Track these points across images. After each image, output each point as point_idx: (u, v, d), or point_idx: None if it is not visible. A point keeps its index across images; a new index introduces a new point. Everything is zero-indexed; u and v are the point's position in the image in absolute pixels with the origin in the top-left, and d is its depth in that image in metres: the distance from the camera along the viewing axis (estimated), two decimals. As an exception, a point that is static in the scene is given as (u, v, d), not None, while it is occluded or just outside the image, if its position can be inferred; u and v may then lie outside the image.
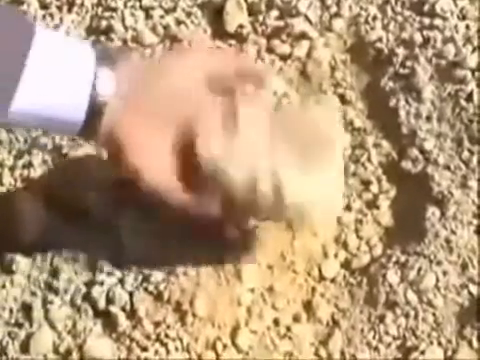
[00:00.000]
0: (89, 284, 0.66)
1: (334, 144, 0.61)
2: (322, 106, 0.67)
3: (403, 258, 0.64)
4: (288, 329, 0.63)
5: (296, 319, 0.64)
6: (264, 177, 0.58)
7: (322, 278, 0.66)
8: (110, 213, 0.67)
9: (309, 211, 0.60)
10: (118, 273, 0.66)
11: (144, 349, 0.63)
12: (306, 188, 0.59)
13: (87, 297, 0.65)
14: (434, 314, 0.62)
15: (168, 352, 0.62)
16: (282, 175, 0.59)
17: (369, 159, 0.69)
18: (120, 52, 0.72)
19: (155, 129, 0.59)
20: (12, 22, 0.55)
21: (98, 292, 0.65)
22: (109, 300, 0.64)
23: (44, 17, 0.81)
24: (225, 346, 0.62)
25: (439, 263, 0.64)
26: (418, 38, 0.72)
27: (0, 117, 0.55)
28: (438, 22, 0.72)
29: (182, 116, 0.59)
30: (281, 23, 0.76)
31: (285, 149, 0.59)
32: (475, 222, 0.65)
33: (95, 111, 0.57)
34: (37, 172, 0.72)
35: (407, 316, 0.62)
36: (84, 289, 0.66)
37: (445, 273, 0.63)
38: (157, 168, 0.59)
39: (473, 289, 0.63)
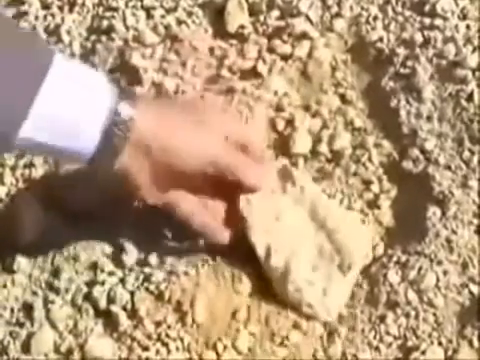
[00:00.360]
0: (90, 284, 0.66)
1: (357, 259, 0.64)
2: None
3: (404, 258, 0.64)
4: (289, 331, 0.63)
5: (296, 322, 0.64)
6: (279, 256, 0.63)
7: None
8: (111, 213, 0.67)
9: (305, 305, 0.63)
10: (119, 273, 0.66)
11: (145, 349, 0.63)
12: (309, 286, 0.63)
13: (88, 297, 0.65)
14: (435, 314, 0.62)
15: (169, 352, 0.62)
16: (293, 263, 0.63)
17: (370, 159, 0.69)
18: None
19: (174, 167, 0.60)
20: (31, 49, 0.55)
21: (99, 292, 0.65)
22: (110, 300, 0.64)
23: (45, 17, 0.81)
24: (225, 347, 0.62)
25: (440, 263, 0.64)
26: (419, 38, 0.72)
27: (9, 142, 0.55)
28: (439, 22, 0.72)
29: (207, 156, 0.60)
30: (282, 23, 0.76)
31: (310, 240, 0.64)
32: (475, 222, 0.65)
33: (111, 145, 0.57)
34: (38, 172, 0.72)
35: (408, 316, 0.62)
36: (85, 289, 0.66)
37: (446, 273, 0.63)
38: (182, 206, 0.63)
39: (474, 288, 0.63)
